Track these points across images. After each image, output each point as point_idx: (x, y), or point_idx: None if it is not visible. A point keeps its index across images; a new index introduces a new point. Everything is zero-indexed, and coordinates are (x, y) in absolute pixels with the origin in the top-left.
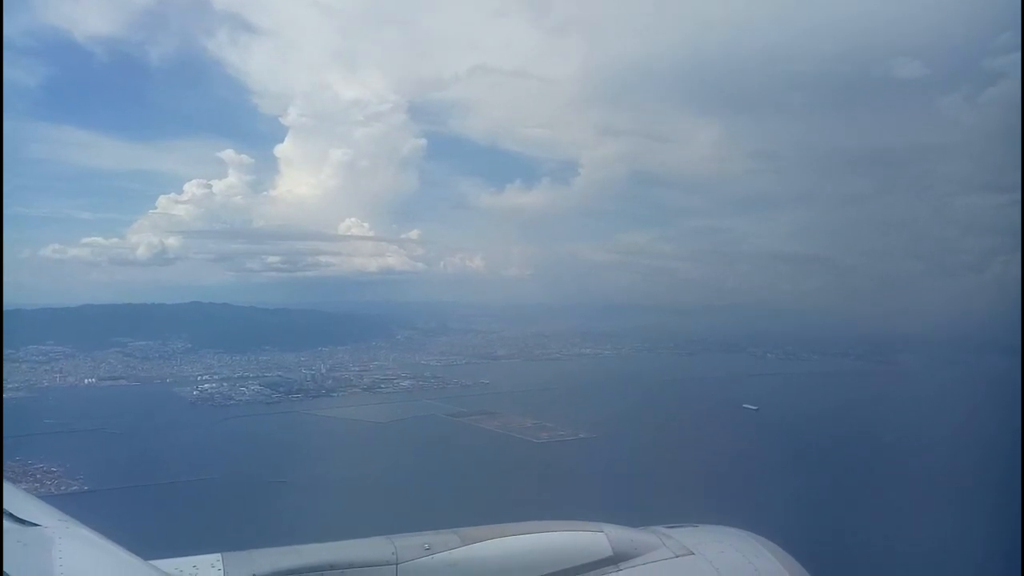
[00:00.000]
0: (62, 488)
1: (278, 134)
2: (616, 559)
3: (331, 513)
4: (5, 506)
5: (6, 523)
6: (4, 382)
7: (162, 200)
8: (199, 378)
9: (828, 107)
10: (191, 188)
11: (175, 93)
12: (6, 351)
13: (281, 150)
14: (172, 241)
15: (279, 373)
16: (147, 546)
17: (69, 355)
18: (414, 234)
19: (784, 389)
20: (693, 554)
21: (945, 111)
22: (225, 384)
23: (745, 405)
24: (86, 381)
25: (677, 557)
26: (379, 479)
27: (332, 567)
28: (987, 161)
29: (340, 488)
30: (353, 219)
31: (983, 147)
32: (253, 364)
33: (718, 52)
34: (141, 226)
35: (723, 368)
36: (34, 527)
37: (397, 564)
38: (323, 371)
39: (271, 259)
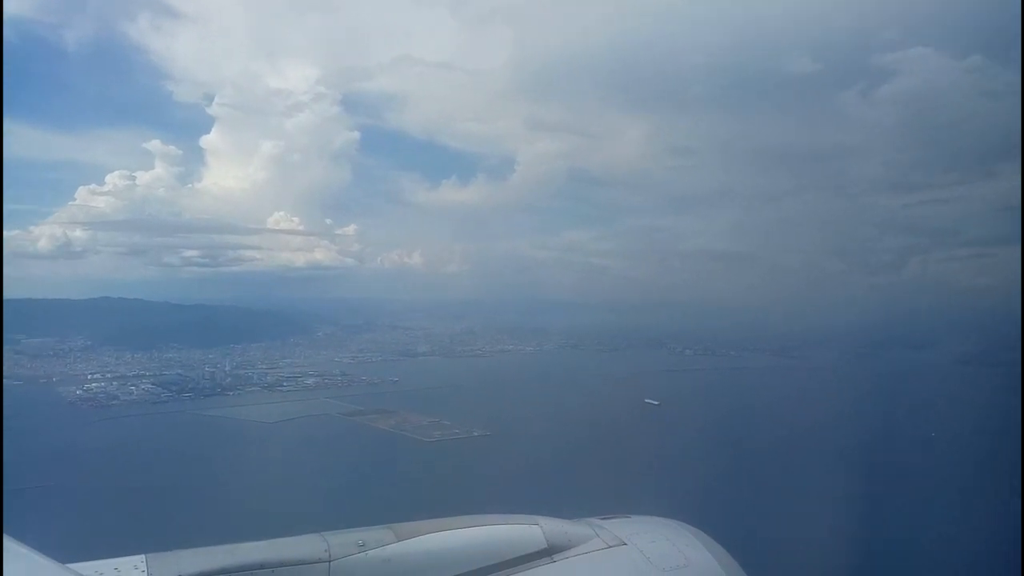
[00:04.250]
0: None
1: (206, 124)
2: (551, 551)
3: (174, 520)
4: None
5: None
6: None
7: (81, 191)
8: (89, 377)
9: (737, 103)
10: (113, 179)
11: (96, 80)
12: None
13: (207, 141)
14: (81, 234)
15: (179, 371)
16: None
17: None
18: (349, 229)
19: (693, 384)
20: (625, 544)
21: (845, 108)
22: (114, 383)
23: (647, 400)
24: None
25: (610, 547)
26: (240, 482)
27: (262, 566)
28: (892, 160)
29: (194, 493)
30: (282, 213)
31: (887, 145)
32: (154, 362)
33: (633, 45)
34: (58, 218)
35: (640, 365)
36: None
37: (330, 562)
38: (226, 369)
39: (191, 253)
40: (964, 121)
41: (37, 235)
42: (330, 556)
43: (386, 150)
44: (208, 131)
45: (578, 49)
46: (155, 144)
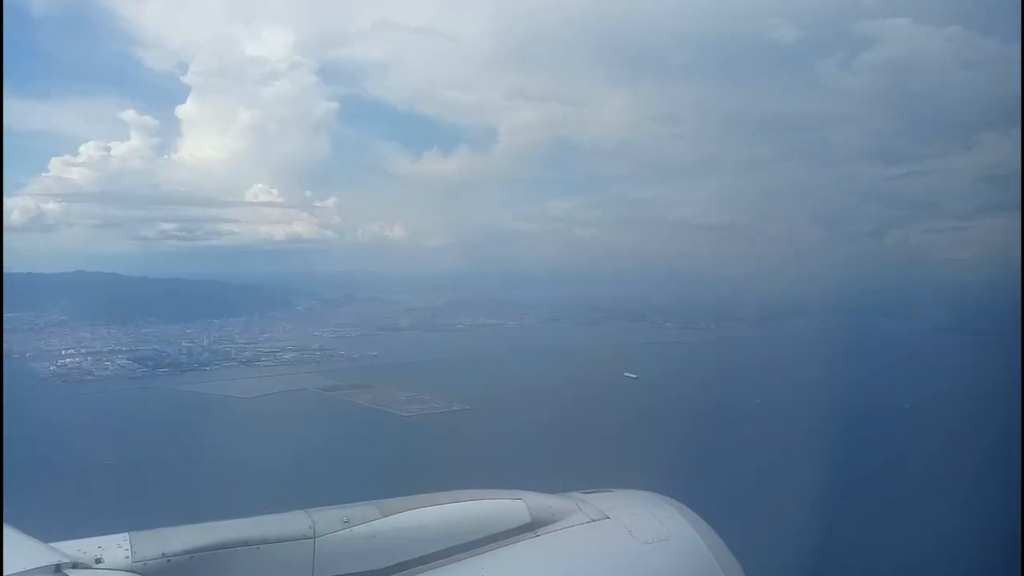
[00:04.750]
0: None
1: (181, 94)
2: (534, 525)
3: (154, 498)
4: None
5: None
6: None
7: (55, 162)
8: (63, 352)
9: (721, 70)
10: (87, 150)
11: (67, 46)
12: None
13: (184, 111)
14: (55, 206)
15: (155, 346)
16: None
17: None
18: (329, 202)
19: (672, 357)
20: (608, 518)
21: (828, 77)
22: (89, 358)
23: (626, 373)
24: None
25: (593, 521)
26: (218, 458)
27: (247, 543)
28: (874, 130)
29: (172, 470)
30: (261, 185)
31: (869, 115)
32: (130, 337)
33: (616, 12)
34: (31, 189)
35: (621, 337)
36: None
37: (315, 538)
38: (203, 344)
39: (167, 226)
40: (944, 91)
41: (9, 207)
42: (315, 532)
43: (366, 119)
44: (184, 101)
45: (561, 15)
46: (130, 114)
